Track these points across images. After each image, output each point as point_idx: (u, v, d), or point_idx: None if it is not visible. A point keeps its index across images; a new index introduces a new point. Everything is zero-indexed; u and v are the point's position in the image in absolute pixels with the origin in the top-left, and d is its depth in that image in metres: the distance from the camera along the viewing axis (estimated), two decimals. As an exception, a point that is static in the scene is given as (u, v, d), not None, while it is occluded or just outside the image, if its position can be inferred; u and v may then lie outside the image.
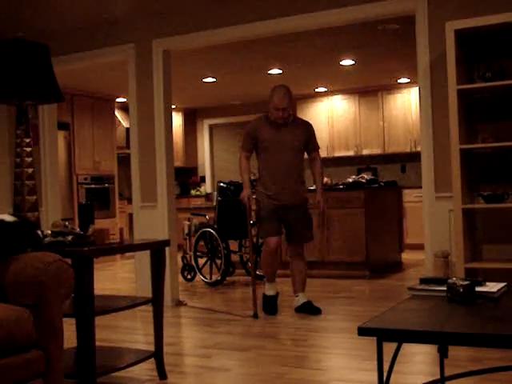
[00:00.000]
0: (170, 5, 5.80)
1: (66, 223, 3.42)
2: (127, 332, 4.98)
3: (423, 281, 2.80)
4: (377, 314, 2.38)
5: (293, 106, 5.44)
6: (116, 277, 8.55)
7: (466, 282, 2.47)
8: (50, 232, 3.22)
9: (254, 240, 5.94)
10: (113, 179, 10.48)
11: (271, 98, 5.26)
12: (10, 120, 6.73)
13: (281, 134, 5.30)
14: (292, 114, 5.41)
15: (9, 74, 3.26)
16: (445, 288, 2.54)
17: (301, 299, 5.38)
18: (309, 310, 5.32)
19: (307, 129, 5.44)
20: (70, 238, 3.16)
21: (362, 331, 2.15)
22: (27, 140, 3.38)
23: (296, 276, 5.40)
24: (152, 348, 3.62)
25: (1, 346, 2.42)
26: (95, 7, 5.84)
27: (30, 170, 3.37)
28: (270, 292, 5.46)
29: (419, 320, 2.39)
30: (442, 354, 2.74)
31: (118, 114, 10.98)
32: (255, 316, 5.23)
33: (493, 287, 2.58)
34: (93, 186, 10.09)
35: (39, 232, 3.04)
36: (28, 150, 3.38)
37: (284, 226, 5.38)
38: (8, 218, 2.86)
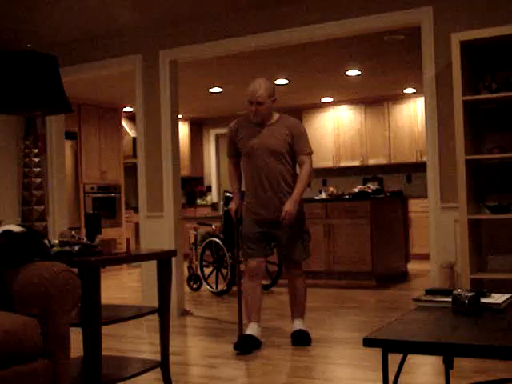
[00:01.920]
0: (177, 15, 5.84)
1: (73, 232, 3.44)
2: (133, 341, 4.99)
3: (429, 292, 2.82)
4: (382, 325, 2.39)
5: (274, 103, 4.52)
6: (122, 286, 8.56)
7: (471, 294, 2.48)
8: (57, 242, 3.24)
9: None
10: (119, 188, 10.51)
11: (246, 91, 4.50)
12: (18, 130, 6.78)
13: (259, 136, 4.50)
14: (275, 113, 4.58)
15: (18, 85, 3.29)
16: (450, 299, 2.55)
17: (295, 325, 4.69)
18: (297, 339, 4.60)
19: (292, 129, 4.51)
20: (77, 247, 3.18)
21: (368, 342, 2.16)
22: (35, 150, 3.41)
23: (291, 299, 4.74)
24: (158, 357, 3.63)
25: (8, 355, 2.43)
26: (103, 18, 5.88)
27: (38, 180, 3.39)
28: (247, 331, 4.57)
29: (425, 331, 2.40)
30: (448, 365, 2.75)
31: (124, 123, 11.03)
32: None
33: (498, 298, 2.59)
34: (99, 195, 10.11)
35: (46, 242, 3.07)
36: (36, 160, 3.41)
37: (274, 244, 4.76)
38: (15, 228, 2.88)
